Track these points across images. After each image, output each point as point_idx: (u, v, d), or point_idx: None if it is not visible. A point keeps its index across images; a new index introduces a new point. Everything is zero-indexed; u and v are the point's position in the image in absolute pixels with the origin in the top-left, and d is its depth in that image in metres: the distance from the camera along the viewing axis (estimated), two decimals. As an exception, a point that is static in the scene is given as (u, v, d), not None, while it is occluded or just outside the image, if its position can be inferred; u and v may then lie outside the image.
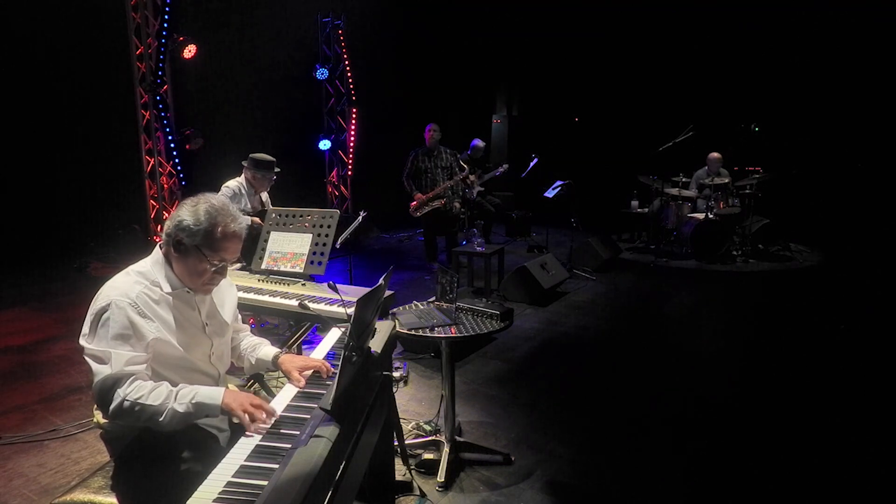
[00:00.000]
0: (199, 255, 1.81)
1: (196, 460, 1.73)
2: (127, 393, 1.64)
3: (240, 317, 2.26)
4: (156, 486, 1.70)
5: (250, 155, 4.50)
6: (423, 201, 6.79)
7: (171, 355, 1.82)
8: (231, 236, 1.84)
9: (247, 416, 1.63)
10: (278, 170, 4.58)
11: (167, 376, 1.81)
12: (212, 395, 1.70)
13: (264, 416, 1.65)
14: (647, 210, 8.43)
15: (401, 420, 2.80)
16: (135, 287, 1.79)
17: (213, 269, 1.85)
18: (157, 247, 1.90)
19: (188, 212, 1.82)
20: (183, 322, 1.87)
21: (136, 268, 1.86)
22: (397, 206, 7.52)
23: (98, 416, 1.88)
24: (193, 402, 1.68)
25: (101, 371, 1.67)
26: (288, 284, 3.13)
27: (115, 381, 1.65)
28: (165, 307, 1.83)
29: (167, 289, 1.84)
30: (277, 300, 2.93)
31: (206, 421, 1.83)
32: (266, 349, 2.17)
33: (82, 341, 1.73)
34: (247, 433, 1.61)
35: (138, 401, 1.63)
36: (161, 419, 1.65)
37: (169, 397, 1.67)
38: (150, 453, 1.77)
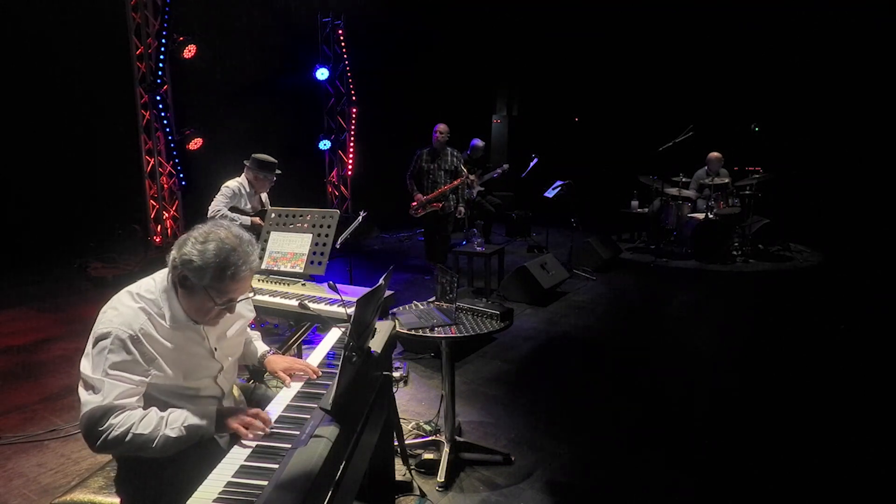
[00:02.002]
0: (205, 295, 1.72)
1: (197, 460, 1.73)
2: (115, 423, 1.59)
3: None
4: (157, 485, 1.70)
5: (253, 155, 4.47)
6: (423, 202, 6.73)
7: (170, 385, 1.77)
8: (242, 280, 1.74)
9: (242, 427, 1.63)
10: (279, 171, 4.57)
11: (166, 401, 1.77)
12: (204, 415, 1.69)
13: (260, 423, 1.64)
14: (647, 210, 8.42)
15: (401, 420, 2.79)
16: (139, 316, 1.70)
17: (221, 307, 1.76)
18: (167, 272, 1.78)
19: (196, 249, 1.69)
20: (189, 351, 1.80)
21: (144, 292, 1.77)
22: (397, 206, 7.51)
23: None
24: (185, 424, 1.64)
25: (90, 401, 1.60)
26: (288, 284, 3.13)
27: (103, 413, 1.59)
28: (170, 338, 1.75)
29: (171, 323, 1.75)
30: (277, 300, 2.93)
31: None
32: (256, 344, 2.18)
33: (82, 362, 1.68)
34: (241, 442, 1.60)
35: (129, 430, 1.58)
36: (153, 446, 1.60)
37: (160, 424, 1.62)
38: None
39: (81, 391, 1.64)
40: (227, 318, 1.90)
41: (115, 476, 1.82)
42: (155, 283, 1.80)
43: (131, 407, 1.63)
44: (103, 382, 1.61)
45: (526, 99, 12.21)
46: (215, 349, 1.88)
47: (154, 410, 1.66)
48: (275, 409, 1.78)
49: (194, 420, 1.66)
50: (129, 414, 1.61)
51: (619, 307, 5.82)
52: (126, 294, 1.76)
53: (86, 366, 1.65)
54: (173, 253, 1.74)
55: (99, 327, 1.68)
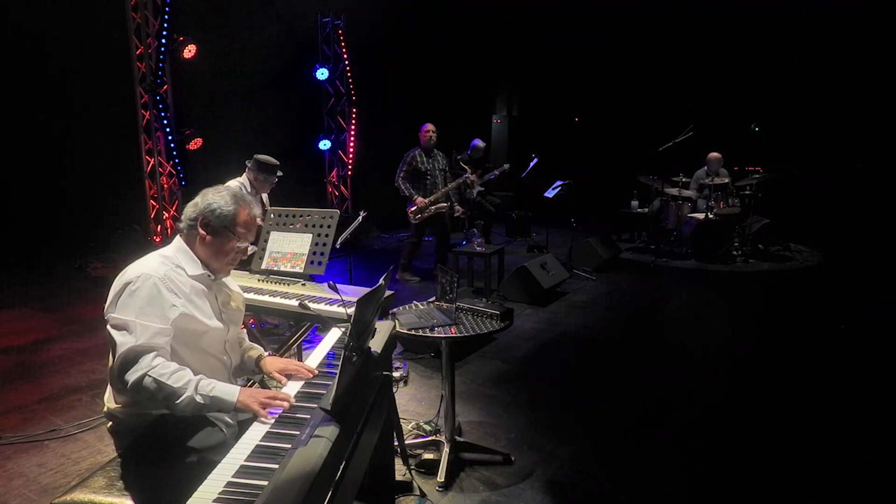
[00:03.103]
0: (227, 234, 1.96)
1: (202, 455, 1.75)
2: (151, 367, 1.69)
3: None
4: (163, 480, 1.72)
5: (255, 156, 4.41)
6: (425, 205, 6.32)
7: (193, 331, 1.88)
8: (253, 220, 2.04)
9: (262, 408, 1.70)
10: (280, 174, 4.53)
11: (183, 355, 1.86)
12: (229, 391, 1.77)
13: (279, 401, 1.73)
14: (647, 210, 8.42)
15: (401, 420, 2.80)
16: (162, 267, 1.88)
17: (238, 247, 2.00)
18: (177, 236, 2.01)
19: (217, 197, 1.98)
20: (203, 306, 1.95)
21: (160, 252, 1.96)
22: (397, 206, 7.48)
23: (109, 404, 1.89)
24: (211, 394, 1.74)
25: (125, 342, 1.70)
26: (288, 284, 3.13)
27: (138, 354, 1.70)
28: (188, 287, 1.91)
29: (192, 272, 1.94)
30: (277, 300, 2.93)
31: (214, 414, 1.86)
32: (252, 351, 2.21)
33: (107, 313, 1.78)
34: (260, 419, 1.67)
35: (160, 379, 1.68)
36: (177, 402, 1.70)
37: (189, 384, 1.72)
38: (156, 449, 1.78)
39: (115, 334, 1.75)
40: (228, 291, 2.11)
41: (123, 474, 1.84)
42: (168, 248, 1.99)
43: (163, 353, 1.74)
44: (136, 324, 1.73)
45: (526, 99, 12.20)
46: (222, 311, 2.04)
47: (188, 370, 1.76)
48: (275, 410, 1.77)
49: (219, 393, 1.75)
50: (164, 363, 1.72)
51: (619, 307, 5.82)
52: (144, 257, 1.95)
53: (114, 311, 1.77)
54: (188, 211, 1.98)
55: (126, 276, 1.82)
